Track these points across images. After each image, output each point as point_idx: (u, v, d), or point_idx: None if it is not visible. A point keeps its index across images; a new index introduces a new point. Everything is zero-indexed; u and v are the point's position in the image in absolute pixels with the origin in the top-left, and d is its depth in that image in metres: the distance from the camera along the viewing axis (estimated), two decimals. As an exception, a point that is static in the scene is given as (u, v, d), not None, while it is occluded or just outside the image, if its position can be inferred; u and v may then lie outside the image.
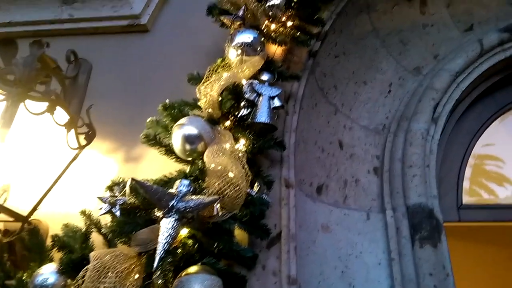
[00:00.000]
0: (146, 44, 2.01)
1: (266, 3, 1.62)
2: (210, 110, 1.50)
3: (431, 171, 1.87)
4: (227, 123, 1.52)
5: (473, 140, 2.17)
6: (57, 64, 1.72)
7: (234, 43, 1.51)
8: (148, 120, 1.50)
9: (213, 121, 1.48)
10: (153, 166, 1.64)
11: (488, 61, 2.13)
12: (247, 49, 1.50)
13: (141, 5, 1.98)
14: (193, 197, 1.19)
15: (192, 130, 1.36)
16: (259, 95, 1.49)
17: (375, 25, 2.18)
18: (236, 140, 1.46)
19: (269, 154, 1.57)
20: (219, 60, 1.61)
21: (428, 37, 2.30)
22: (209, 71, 1.55)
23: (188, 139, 1.36)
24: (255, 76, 1.55)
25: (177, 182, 1.27)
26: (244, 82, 1.52)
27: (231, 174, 1.28)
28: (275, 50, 1.75)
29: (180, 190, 1.23)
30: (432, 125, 1.97)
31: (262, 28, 1.65)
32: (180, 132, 1.36)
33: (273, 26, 1.68)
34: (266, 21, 1.66)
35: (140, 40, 2.03)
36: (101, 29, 2.04)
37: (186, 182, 1.26)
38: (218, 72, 1.55)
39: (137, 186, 1.19)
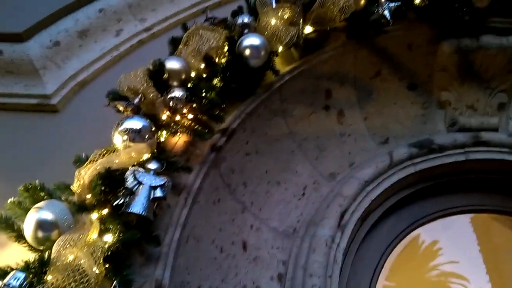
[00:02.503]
0: (52, 125, 1.96)
1: (168, 95, 1.64)
2: (87, 195, 1.40)
3: (334, 282, 1.75)
4: (105, 210, 1.40)
5: (385, 252, 2.10)
6: None
7: (120, 128, 1.47)
8: (9, 201, 1.36)
9: (84, 208, 1.36)
10: (19, 255, 1.45)
11: (398, 174, 2.16)
12: (134, 135, 1.45)
13: (54, 86, 1.98)
14: (18, 294, 1.02)
15: (47, 215, 1.23)
16: (140, 183, 1.40)
17: (292, 129, 2.23)
18: (107, 230, 1.34)
19: (146, 250, 1.43)
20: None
21: (345, 146, 2.36)
22: (95, 154, 1.48)
23: (40, 224, 1.22)
24: (143, 164, 1.49)
25: (11, 274, 1.09)
26: (130, 169, 1.45)
27: (79, 269, 1.13)
28: (177, 140, 1.72)
29: (9, 284, 1.06)
30: (338, 233, 1.90)
31: (161, 117, 1.63)
32: (34, 216, 1.23)
33: (175, 117, 1.67)
34: (167, 111, 1.66)
35: (48, 120, 1.98)
36: (9, 105, 1.98)
37: (20, 275, 1.10)
38: (105, 156, 1.48)
39: None
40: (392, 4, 2.10)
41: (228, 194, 1.92)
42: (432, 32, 2.34)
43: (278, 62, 2.04)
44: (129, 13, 2.27)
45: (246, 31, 1.89)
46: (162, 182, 1.43)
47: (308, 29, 2.09)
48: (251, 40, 1.80)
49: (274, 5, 1.86)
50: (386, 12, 2.09)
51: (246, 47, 1.79)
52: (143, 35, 2.28)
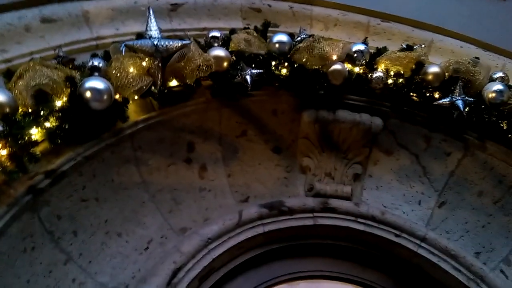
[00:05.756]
0: None
1: (-21, 129, 1.52)
2: None
3: None
4: None
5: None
6: None
7: None
8: None
9: None
10: None
11: (245, 233, 2.15)
12: None
13: None
14: None
15: None
16: None
17: (145, 179, 2.16)
18: None
19: None
20: None
21: (203, 201, 2.33)
22: None
23: None
24: None
25: None
26: None
27: None
28: (-13, 178, 1.57)
29: None
30: (167, 292, 1.80)
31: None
32: None
33: (-14, 153, 1.54)
34: (-23, 146, 1.52)
35: None
36: None
37: None
38: None
39: None
40: (254, 71, 2.22)
41: (49, 242, 1.75)
42: (296, 101, 2.50)
43: (134, 110, 2.03)
44: (-14, 41, 2.15)
45: (96, 74, 1.86)
46: None
47: (174, 83, 2.12)
48: (94, 83, 1.76)
49: (123, 52, 1.87)
50: (248, 78, 2.19)
51: (87, 89, 1.74)
52: (0, 66, 2.15)
